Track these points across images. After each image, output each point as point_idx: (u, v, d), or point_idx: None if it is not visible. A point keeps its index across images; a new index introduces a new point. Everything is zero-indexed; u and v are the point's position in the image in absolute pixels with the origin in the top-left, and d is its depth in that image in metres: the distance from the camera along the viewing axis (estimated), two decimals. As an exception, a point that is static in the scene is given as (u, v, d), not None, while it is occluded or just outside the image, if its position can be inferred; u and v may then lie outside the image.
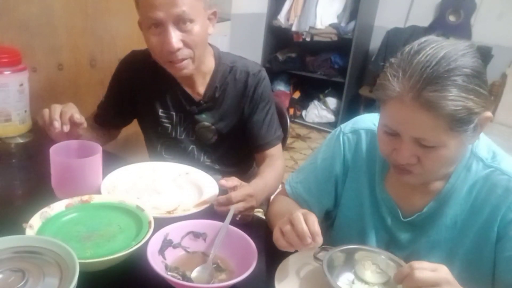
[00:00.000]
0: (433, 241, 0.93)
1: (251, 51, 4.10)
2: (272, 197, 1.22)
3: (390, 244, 0.98)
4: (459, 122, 0.74)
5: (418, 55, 0.75)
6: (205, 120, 1.33)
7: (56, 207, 0.90)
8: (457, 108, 0.72)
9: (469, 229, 0.89)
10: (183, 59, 1.17)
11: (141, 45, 1.29)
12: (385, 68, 0.81)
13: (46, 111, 1.12)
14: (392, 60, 0.80)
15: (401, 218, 0.95)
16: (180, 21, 1.11)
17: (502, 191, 0.85)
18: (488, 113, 0.78)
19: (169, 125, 1.36)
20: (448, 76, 0.72)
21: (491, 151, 0.89)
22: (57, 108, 1.12)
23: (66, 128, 1.10)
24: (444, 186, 0.90)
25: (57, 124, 1.09)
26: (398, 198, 0.96)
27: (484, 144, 0.90)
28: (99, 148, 1.04)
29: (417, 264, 0.71)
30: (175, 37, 1.12)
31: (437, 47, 0.75)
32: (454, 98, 0.72)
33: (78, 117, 1.12)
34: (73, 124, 1.12)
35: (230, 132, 1.35)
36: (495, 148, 0.91)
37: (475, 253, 0.89)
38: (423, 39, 0.79)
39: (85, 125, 1.15)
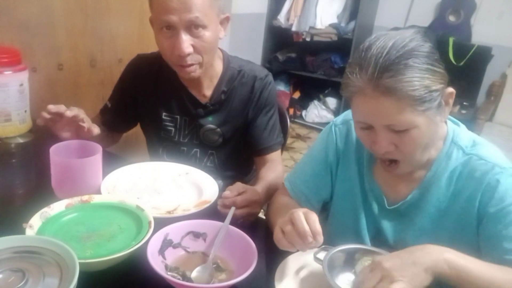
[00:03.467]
0: (419, 229, 0.95)
1: (251, 51, 4.10)
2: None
3: (378, 232, 1.00)
4: (420, 101, 0.78)
5: (370, 50, 0.80)
6: (211, 122, 1.34)
7: (56, 207, 0.90)
8: (414, 88, 0.77)
9: (451, 214, 0.92)
10: (192, 64, 1.18)
11: (141, 45, 1.29)
12: (346, 68, 0.86)
13: (50, 106, 1.13)
14: (350, 60, 0.86)
15: (386, 206, 0.98)
16: (192, 26, 1.12)
17: (479, 175, 0.88)
18: (450, 89, 0.84)
19: (173, 129, 1.36)
20: (399, 61, 0.77)
21: (472, 140, 0.93)
22: (62, 106, 1.14)
23: (70, 113, 1.12)
24: (426, 174, 0.93)
25: (69, 112, 1.12)
26: (385, 186, 0.99)
27: (465, 135, 0.94)
28: (99, 148, 1.04)
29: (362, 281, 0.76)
30: (186, 42, 1.13)
31: (386, 39, 0.81)
32: (409, 80, 0.77)
33: (97, 131, 1.17)
34: (82, 130, 1.15)
35: (233, 135, 1.35)
36: (476, 138, 0.94)
37: (459, 238, 0.91)
38: (373, 36, 0.84)
39: (97, 131, 1.18)
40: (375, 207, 1.00)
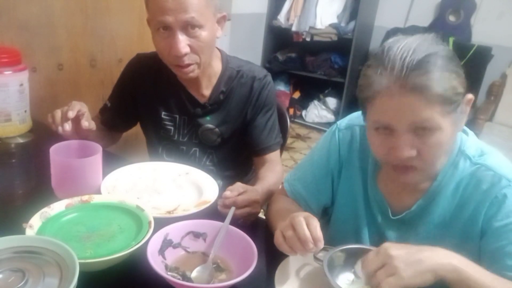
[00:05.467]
0: (422, 239, 0.93)
1: (251, 51, 4.10)
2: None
3: (381, 242, 0.97)
4: (448, 102, 0.77)
5: (392, 50, 0.78)
6: (209, 122, 1.34)
7: (56, 207, 0.90)
8: (444, 87, 0.75)
9: (456, 225, 0.90)
10: (189, 64, 1.18)
11: (141, 45, 1.29)
12: (362, 71, 0.83)
13: (57, 112, 1.13)
14: (368, 62, 0.83)
15: (390, 215, 0.96)
16: (189, 26, 1.12)
17: (487, 187, 0.86)
18: (470, 95, 0.83)
19: (172, 128, 1.36)
20: (429, 60, 0.75)
21: (479, 149, 0.91)
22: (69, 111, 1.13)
23: (72, 113, 1.11)
24: (432, 184, 0.91)
25: (71, 113, 1.11)
26: (389, 195, 0.97)
27: (472, 143, 0.92)
28: (99, 148, 1.04)
29: (364, 261, 0.76)
30: (183, 42, 1.13)
31: (407, 41, 0.79)
32: (440, 78, 0.75)
33: (87, 124, 1.14)
34: (82, 128, 1.13)
35: (232, 135, 1.36)
36: (483, 146, 0.92)
37: (462, 248, 0.89)
38: (390, 39, 0.82)
39: (94, 128, 1.17)
40: (378, 216, 0.98)
